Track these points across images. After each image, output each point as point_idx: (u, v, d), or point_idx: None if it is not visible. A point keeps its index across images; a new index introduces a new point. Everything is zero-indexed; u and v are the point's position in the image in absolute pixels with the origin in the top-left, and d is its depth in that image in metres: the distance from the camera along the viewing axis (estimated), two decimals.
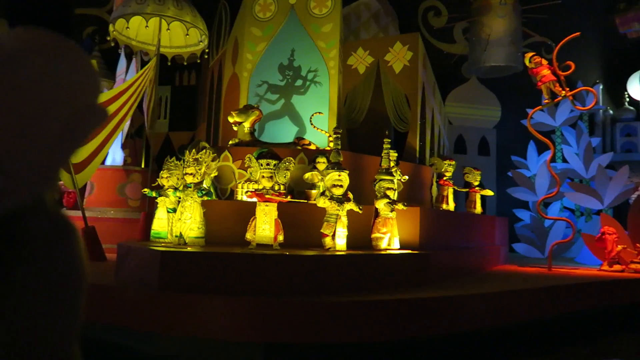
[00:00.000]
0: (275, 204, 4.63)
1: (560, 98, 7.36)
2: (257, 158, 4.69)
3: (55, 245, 0.83)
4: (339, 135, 5.15)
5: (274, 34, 8.21)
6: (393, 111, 8.79)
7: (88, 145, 6.34)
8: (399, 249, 5.21)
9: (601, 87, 15.30)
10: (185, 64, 8.23)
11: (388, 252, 4.96)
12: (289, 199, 4.69)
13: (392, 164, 6.31)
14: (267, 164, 4.67)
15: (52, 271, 0.81)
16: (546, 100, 7.49)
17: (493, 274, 6.49)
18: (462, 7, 14.06)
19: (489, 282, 5.52)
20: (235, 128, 7.23)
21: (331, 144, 5.96)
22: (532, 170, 12.64)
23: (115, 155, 8.88)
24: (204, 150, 4.73)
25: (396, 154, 6.42)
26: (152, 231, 5.05)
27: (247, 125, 7.21)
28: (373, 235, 5.20)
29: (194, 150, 4.74)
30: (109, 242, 6.28)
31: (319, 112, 7.52)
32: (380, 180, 5.34)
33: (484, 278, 5.95)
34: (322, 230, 4.75)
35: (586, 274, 6.74)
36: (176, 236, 4.59)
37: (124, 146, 9.68)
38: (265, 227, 4.54)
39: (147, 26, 7.03)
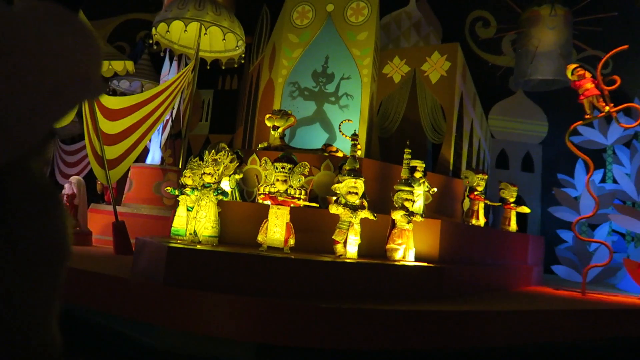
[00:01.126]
0: (288, 208, 4.65)
1: (603, 114, 6.98)
2: (273, 161, 4.74)
3: (34, 211, 0.80)
4: (357, 142, 5.11)
5: (310, 41, 8.31)
6: (428, 122, 8.66)
7: (122, 143, 6.63)
8: (413, 261, 5.10)
9: None
10: (223, 67, 8.45)
11: (400, 263, 4.87)
12: (301, 203, 4.69)
13: (419, 174, 6.23)
14: (283, 168, 4.71)
15: (27, 237, 0.79)
16: (587, 116, 7.13)
17: (519, 294, 6.22)
18: (512, 18, 13.69)
19: (509, 301, 5.30)
20: (273, 132, 7.34)
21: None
22: (579, 190, 12.06)
23: (154, 154, 9.23)
24: (223, 152, 4.83)
25: (424, 165, 6.31)
26: (172, 228, 5.20)
27: (280, 130, 7.33)
28: (388, 246, 5.12)
29: (213, 151, 4.86)
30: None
31: (349, 120, 7.51)
32: (399, 190, 5.26)
33: (506, 297, 5.72)
34: (333, 237, 4.73)
35: (621, 301, 6.35)
36: (190, 234, 4.71)
37: (165, 146, 10.06)
38: (276, 229, 4.57)
39: (185, 30, 7.28)
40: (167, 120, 9.34)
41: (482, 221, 7.32)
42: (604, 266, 7.86)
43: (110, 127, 6.45)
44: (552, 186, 12.42)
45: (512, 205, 8.31)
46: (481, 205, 7.36)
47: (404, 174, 5.46)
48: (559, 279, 10.21)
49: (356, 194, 4.81)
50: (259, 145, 7.21)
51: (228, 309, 3.71)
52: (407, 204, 5.21)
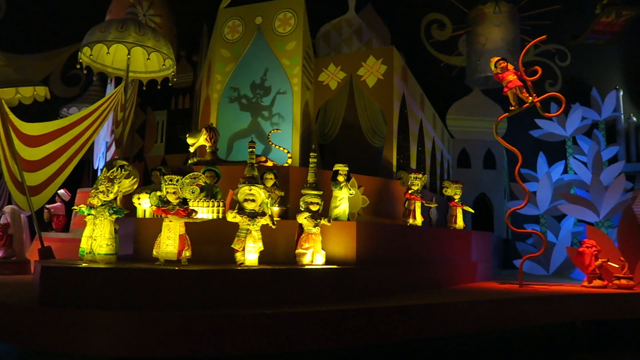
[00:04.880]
0: (181, 220, 4.61)
1: (527, 104, 6.96)
2: (162, 174, 4.72)
3: None
4: (254, 149, 5.09)
5: (242, 54, 8.35)
6: (368, 126, 8.65)
7: (46, 169, 6.63)
8: (320, 265, 5.05)
9: (621, 93, 14.46)
10: (159, 87, 8.48)
11: (300, 267, 4.82)
12: (193, 216, 4.63)
13: (342, 178, 6.19)
14: (171, 180, 4.67)
15: None
16: (512, 107, 7.11)
17: (453, 290, 6.14)
18: (465, 19, 13.79)
19: (430, 297, 5.23)
20: (192, 149, 7.35)
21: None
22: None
23: None
24: (118, 169, 4.80)
25: (346, 169, 6.28)
26: (79, 249, 5.16)
27: (207, 144, 7.33)
28: (296, 251, 5.08)
29: (112, 169, 4.83)
30: None
31: (277, 129, 7.52)
32: (305, 194, 5.23)
33: (432, 293, 5.65)
34: (232, 246, 4.69)
35: (547, 290, 6.28)
36: (88, 253, 4.67)
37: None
38: (169, 242, 4.53)
39: (108, 52, 7.32)
40: (110, 144, 9.36)
41: (419, 220, 7.25)
42: (537, 256, 7.78)
43: (31, 153, 6.46)
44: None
45: (456, 202, 8.28)
46: (418, 204, 7.30)
47: (310, 177, 5.42)
48: (523, 273, 10.07)
49: (253, 201, 4.77)
50: (189, 161, 7.20)
51: (106, 326, 3.67)
52: (312, 207, 5.18)
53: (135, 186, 4.97)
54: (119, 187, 4.75)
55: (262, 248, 4.76)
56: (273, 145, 7.45)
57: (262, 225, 4.80)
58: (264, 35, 8.27)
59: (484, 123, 12.81)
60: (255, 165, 5.03)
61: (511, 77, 7.00)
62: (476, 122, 12.86)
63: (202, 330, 3.65)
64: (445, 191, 8.26)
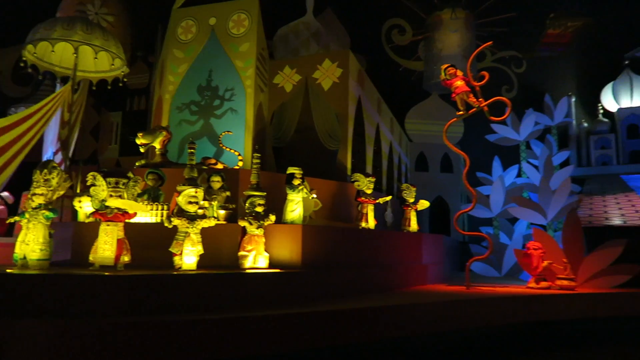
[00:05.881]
0: (120, 224, 4.49)
1: (474, 109, 7.10)
2: (105, 177, 4.57)
3: None
4: (194, 150, 5.01)
5: (195, 55, 8.24)
6: (323, 129, 8.66)
7: None
8: (264, 268, 5.01)
9: (574, 99, 14.95)
10: (109, 87, 8.27)
11: (245, 271, 4.76)
12: (133, 218, 4.53)
13: (297, 182, 6.16)
14: (116, 183, 4.55)
15: None
16: (460, 112, 7.24)
17: (400, 293, 6.18)
18: (425, 25, 14.02)
19: (377, 300, 5.25)
20: (142, 150, 7.20)
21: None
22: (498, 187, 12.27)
23: None
24: (54, 170, 4.65)
25: (301, 172, 6.25)
26: (14, 254, 4.95)
27: (157, 146, 7.19)
28: (239, 253, 5.02)
29: (45, 170, 4.66)
30: None
31: (228, 131, 7.44)
32: (249, 196, 5.18)
33: (381, 296, 5.66)
34: (170, 249, 4.60)
35: (497, 292, 6.41)
36: (22, 258, 4.49)
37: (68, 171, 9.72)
38: (106, 247, 4.40)
39: (53, 51, 7.09)
40: (59, 147, 9.06)
41: (371, 224, 7.29)
42: (484, 258, 7.95)
43: None
44: (474, 185, 12.61)
45: (411, 205, 8.36)
46: (370, 207, 7.33)
47: (253, 178, 5.38)
48: (475, 275, 10.27)
49: (196, 203, 4.69)
50: (136, 163, 7.03)
51: (30, 334, 3.52)
52: (257, 208, 5.13)
53: (67, 186, 4.81)
54: (50, 188, 4.59)
55: (201, 251, 4.68)
56: (224, 147, 7.36)
57: (205, 228, 4.73)
58: (217, 36, 8.18)
59: (441, 127, 12.86)
60: (196, 166, 4.95)
61: (459, 82, 7.12)
62: (434, 126, 13.06)
63: (130, 338, 3.54)
64: (405, 194, 8.30)
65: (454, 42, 11.68)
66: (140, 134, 7.04)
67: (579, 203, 9.51)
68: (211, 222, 4.74)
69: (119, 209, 4.49)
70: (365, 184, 7.39)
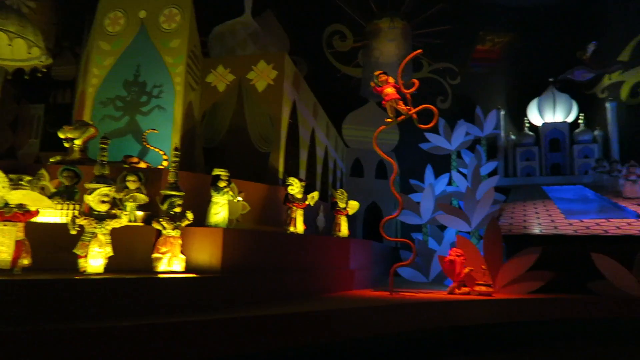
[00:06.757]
0: (20, 224, 4.17)
1: (403, 117, 7.23)
2: (7, 175, 4.23)
3: None
4: (106, 146, 4.76)
5: (123, 49, 7.88)
6: (255, 130, 8.53)
7: None
8: (179, 272, 4.82)
9: (502, 112, 15.65)
10: (26, 77, 7.76)
11: (158, 275, 4.56)
12: (35, 217, 4.22)
13: (223, 184, 5.98)
14: (19, 180, 4.22)
15: None
16: (389, 119, 7.36)
17: (325, 298, 6.15)
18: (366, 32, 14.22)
19: (300, 305, 5.17)
20: (66, 145, 6.80)
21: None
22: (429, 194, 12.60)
23: None
24: None
25: (228, 174, 6.08)
26: None
27: (78, 142, 6.80)
28: (152, 255, 4.81)
29: None
30: None
31: (153, 129, 7.16)
32: (167, 196, 4.98)
33: (305, 301, 5.60)
34: (74, 250, 4.32)
35: (418, 297, 6.54)
36: None
37: None
38: (2, 249, 4.06)
39: None
40: None
41: (300, 228, 7.23)
42: (408, 264, 8.13)
43: None
44: (408, 192, 12.89)
45: (342, 210, 8.38)
46: (299, 212, 7.27)
47: (171, 177, 5.19)
48: (403, 280, 10.46)
49: (109, 202, 4.44)
50: (50, 160, 6.61)
51: None
52: (175, 209, 4.94)
53: None
54: None
55: (110, 253, 4.43)
56: (148, 146, 7.07)
57: (118, 229, 4.49)
58: (147, 30, 7.87)
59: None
60: (108, 164, 4.70)
61: (389, 90, 7.22)
62: (370, 133, 13.16)
63: (26, 346, 3.26)
64: (339, 200, 8.28)
65: (391, 51, 11.92)
66: (67, 128, 6.63)
67: (500, 212, 9.93)
68: (122, 222, 4.50)
69: (20, 206, 4.16)
70: (299, 189, 7.32)
